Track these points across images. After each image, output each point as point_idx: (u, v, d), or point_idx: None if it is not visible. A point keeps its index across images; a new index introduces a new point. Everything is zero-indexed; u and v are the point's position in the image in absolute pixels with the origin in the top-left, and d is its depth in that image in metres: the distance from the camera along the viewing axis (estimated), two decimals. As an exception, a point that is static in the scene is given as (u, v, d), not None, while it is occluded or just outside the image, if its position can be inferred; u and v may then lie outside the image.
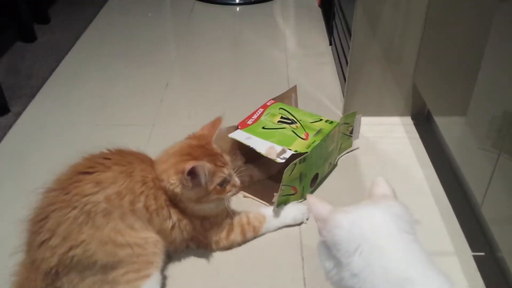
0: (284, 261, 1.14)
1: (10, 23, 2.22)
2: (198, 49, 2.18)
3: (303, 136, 1.32)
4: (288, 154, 1.24)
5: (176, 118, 1.68)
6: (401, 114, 1.64)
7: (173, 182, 1.00)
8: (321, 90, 1.79)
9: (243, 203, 1.29)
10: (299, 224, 1.23)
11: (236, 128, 1.35)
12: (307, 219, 1.23)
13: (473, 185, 1.12)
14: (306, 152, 1.23)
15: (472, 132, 1.13)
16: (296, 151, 1.25)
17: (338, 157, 1.45)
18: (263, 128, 1.35)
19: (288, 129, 1.35)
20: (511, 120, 0.95)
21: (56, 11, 2.47)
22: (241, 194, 1.32)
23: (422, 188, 1.34)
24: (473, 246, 1.16)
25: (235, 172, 1.12)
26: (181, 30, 2.36)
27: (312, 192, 1.33)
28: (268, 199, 1.26)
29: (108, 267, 0.94)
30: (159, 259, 1.02)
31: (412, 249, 0.72)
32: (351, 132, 1.46)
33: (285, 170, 1.18)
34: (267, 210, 1.22)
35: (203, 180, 1.00)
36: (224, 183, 1.06)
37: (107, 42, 2.25)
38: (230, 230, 1.15)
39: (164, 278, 1.08)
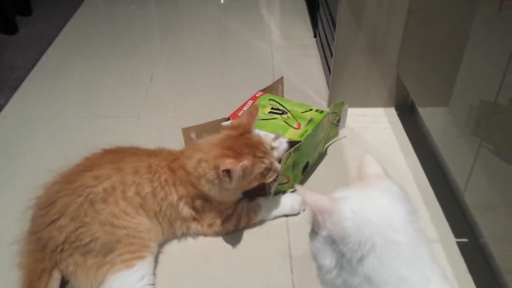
0: (272, 251, 1.16)
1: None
2: (183, 41, 2.17)
3: (295, 125, 1.33)
4: (284, 140, 1.25)
5: (161, 109, 1.68)
6: (385, 105, 1.67)
7: (212, 174, 1.07)
8: (306, 81, 1.81)
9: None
10: (297, 214, 1.24)
11: (228, 119, 1.35)
12: (304, 210, 1.25)
13: (456, 173, 1.15)
14: (300, 141, 1.25)
15: (454, 122, 1.15)
16: (290, 138, 1.26)
17: (326, 146, 1.47)
18: None
19: (279, 119, 1.36)
20: (491, 110, 0.97)
21: (38, 2, 2.44)
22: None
23: (406, 177, 1.36)
24: (457, 232, 1.19)
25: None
26: (166, 21, 2.35)
27: (302, 180, 1.35)
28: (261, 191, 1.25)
29: (107, 248, 1.02)
30: (153, 245, 1.09)
31: (419, 244, 0.62)
32: (338, 121, 1.48)
33: (283, 158, 1.19)
34: (264, 201, 1.23)
35: (235, 180, 1.06)
36: (264, 171, 1.11)
37: (91, 34, 2.23)
38: (227, 219, 1.18)
39: (155, 265, 1.10)
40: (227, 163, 1.03)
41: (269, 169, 1.13)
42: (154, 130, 1.57)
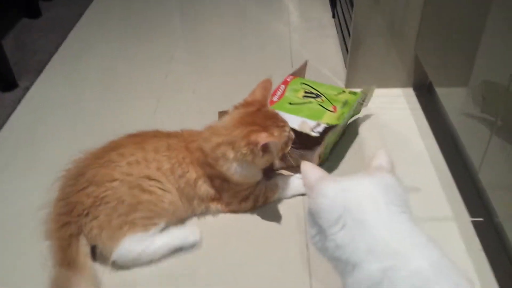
0: (288, 228, 1.19)
1: (16, 0, 2.23)
2: (202, 24, 2.19)
3: (331, 109, 1.34)
4: (321, 127, 1.26)
5: (180, 92, 1.71)
6: (403, 85, 1.66)
7: (244, 152, 1.10)
8: (323, 62, 1.81)
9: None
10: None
11: None
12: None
13: (471, 153, 1.15)
14: (337, 124, 1.27)
15: (471, 101, 1.16)
16: (327, 123, 1.27)
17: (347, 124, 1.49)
18: (290, 104, 1.37)
19: (314, 103, 1.36)
20: (507, 89, 0.97)
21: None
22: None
23: (422, 157, 1.37)
24: (472, 212, 1.20)
25: None
26: (185, 5, 2.37)
27: (326, 159, 1.37)
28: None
29: (131, 208, 1.08)
30: (169, 216, 1.14)
31: (397, 221, 0.70)
32: (363, 100, 1.49)
33: (326, 137, 1.24)
34: (281, 180, 1.26)
35: (274, 152, 1.13)
36: (287, 140, 1.16)
37: (112, 17, 2.27)
38: (244, 199, 1.21)
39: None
40: (264, 137, 1.07)
41: (289, 138, 1.16)
42: (173, 112, 1.60)
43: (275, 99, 1.40)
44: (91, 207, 1.07)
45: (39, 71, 1.84)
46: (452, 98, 1.30)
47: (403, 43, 1.57)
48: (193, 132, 1.23)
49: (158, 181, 1.12)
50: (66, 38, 2.08)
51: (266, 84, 1.20)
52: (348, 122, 1.48)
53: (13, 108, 1.64)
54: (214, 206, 1.21)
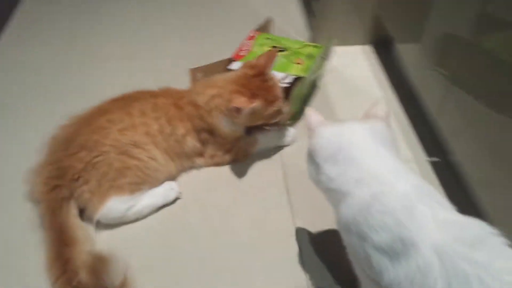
0: (268, 174, 1.31)
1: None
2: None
3: (296, 61, 1.44)
4: (290, 78, 1.37)
5: (156, 55, 1.78)
6: (363, 43, 1.79)
7: (225, 108, 1.20)
8: (286, 23, 1.90)
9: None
10: (289, 145, 1.39)
11: (231, 60, 1.45)
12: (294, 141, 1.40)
13: (429, 100, 1.29)
14: (304, 76, 1.38)
15: (429, 56, 1.29)
16: (295, 75, 1.38)
17: (317, 78, 1.60)
18: None
19: (280, 57, 1.45)
20: (459, 43, 1.11)
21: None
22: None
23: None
24: (429, 152, 1.36)
25: None
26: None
27: (298, 113, 1.47)
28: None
29: (120, 173, 1.15)
30: (153, 182, 1.22)
31: (384, 156, 0.81)
32: (325, 55, 1.60)
33: (292, 91, 1.33)
34: (260, 135, 1.36)
35: (243, 118, 1.19)
36: (272, 114, 1.24)
37: None
38: (227, 151, 1.31)
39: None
40: (239, 101, 1.15)
41: (277, 112, 1.24)
42: (150, 74, 1.66)
43: (242, 53, 1.48)
44: (83, 171, 1.13)
45: None
46: (411, 53, 1.43)
47: (363, 2, 1.68)
48: (179, 90, 1.31)
49: (144, 149, 1.19)
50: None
51: (271, 54, 1.26)
52: (315, 79, 1.59)
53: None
54: (199, 160, 1.31)
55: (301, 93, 1.41)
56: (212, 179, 1.31)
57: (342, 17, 1.71)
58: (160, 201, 1.22)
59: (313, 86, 1.55)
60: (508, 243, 0.69)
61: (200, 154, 1.30)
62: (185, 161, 1.29)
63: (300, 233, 1.16)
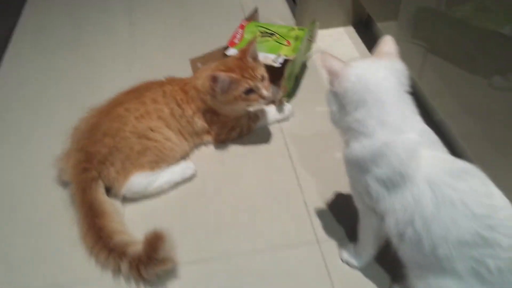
0: (272, 145, 1.44)
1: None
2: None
3: (285, 43, 1.59)
4: (281, 58, 1.52)
5: (150, 53, 1.89)
6: (344, 24, 1.93)
7: (205, 86, 1.34)
8: (273, 11, 2.03)
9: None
10: (287, 119, 1.52)
11: (227, 47, 1.60)
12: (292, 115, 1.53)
13: (410, 69, 1.42)
14: (294, 56, 1.52)
15: (406, 29, 1.42)
16: (286, 55, 1.53)
17: (307, 60, 1.75)
18: None
19: (271, 40, 1.61)
20: (432, 15, 1.24)
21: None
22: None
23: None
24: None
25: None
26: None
27: (293, 91, 1.61)
28: None
29: (141, 154, 1.28)
30: (170, 160, 1.35)
31: (404, 101, 0.87)
32: (311, 36, 1.74)
33: (285, 70, 1.47)
34: (260, 112, 1.49)
35: (219, 86, 1.30)
36: (248, 92, 1.32)
37: None
38: (232, 129, 1.44)
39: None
40: (215, 72, 1.30)
41: (252, 91, 1.33)
42: (149, 72, 1.78)
43: (236, 41, 1.63)
44: (108, 155, 1.26)
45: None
46: (390, 29, 1.57)
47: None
48: (182, 78, 1.45)
49: (160, 132, 1.32)
50: (20, 16, 2.16)
51: (252, 39, 1.39)
52: (304, 60, 1.73)
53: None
54: (207, 138, 1.44)
55: (293, 72, 1.55)
56: (221, 153, 1.43)
57: (323, 1, 1.85)
58: (178, 177, 1.33)
59: (303, 66, 1.69)
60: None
61: (208, 132, 1.43)
62: (196, 139, 1.42)
63: (306, 192, 1.29)
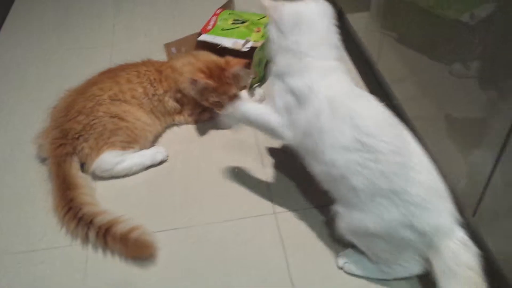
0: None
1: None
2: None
3: (255, 30, 1.67)
4: (250, 44, 1.59)
5: (132, 37, 1.98)
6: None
7: (185, 83, 1.43)
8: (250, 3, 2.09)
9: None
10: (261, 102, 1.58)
11: (200, 33, 1.68)
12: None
13: (370, 50, 1.49)
14: (262, 41, 1.60)
15: (374, 20, 1.49)
16: (255, 40, 1.60)
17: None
18: (222, 29, 1.68)
19: (242, 27, 1.69)
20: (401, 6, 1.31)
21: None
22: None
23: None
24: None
25: None
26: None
27: (264, 76, 1.69)
28: None
29: (113, 133, 1.35)
30: (142, 141, 1.42)
31: (333, 33, 1.08)
32: None
33: (253, 56, 1.53)
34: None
35: (194, 90, 1.41)
36: (216, 104, 1.45)
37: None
38: (204, 110, 1.52)
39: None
40: (198, 76, 1.38)
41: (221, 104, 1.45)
42: (129, 56, 1.84)
43: (209, 27, 1.71)
44: (82, 131, 1.34)
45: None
46: (358, 20, 1.64)
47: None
48: (158, 61, 1.55)
49: (131, 112, 1.40)
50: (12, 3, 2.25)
51: (242, 63, 1.46)
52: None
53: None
54: (178, 118, 1.52)
55: (263, 57, 1.62)
56: (192, 136, 1.51)
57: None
58: (148, 161, 1.40)
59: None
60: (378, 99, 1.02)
61: (180, 112, 1.51)
62: (167, 118, 1.50)
63: (268, 167, 1.37)
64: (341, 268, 1.11)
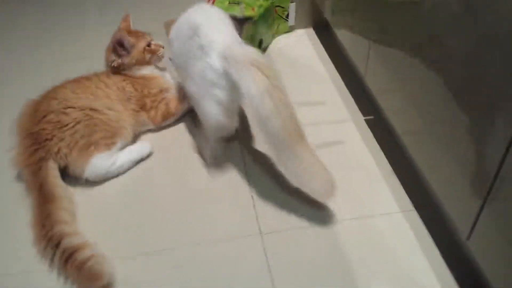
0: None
1: None
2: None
3: (250, 10, 1.71)
4: (243, 14, 1.68)
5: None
6: (305, 26, 1.97)
7: (113, 57, 1.45)
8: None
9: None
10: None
11: None
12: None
13: (358, 63, 1.46)
14: (255, 16, 1.68)
15: (359, 33, 1.46)
16: (247, 16, 1.67)
17: (278, 36, 1.92)
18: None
19: (237, 7, 1.72)
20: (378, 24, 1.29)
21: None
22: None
23: (324, 77, 1.70)
24: (364, 112, 1.54)
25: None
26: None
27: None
28: None
29: (90, 129, 1.30)
30: (122, 133, 1.38)
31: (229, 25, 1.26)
32: (287, 17, 1.84)
33: (244, 28, 1.59)
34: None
35: (128, 44, 1.45)
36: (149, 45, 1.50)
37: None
38: (159, 102, 1.50)
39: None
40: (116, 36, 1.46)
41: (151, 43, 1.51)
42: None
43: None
44: (54, 130, 1.27)
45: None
46: (345, 33, 1.61)
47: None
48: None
49: (100, 103, 1.36)
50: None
51: (126, 18, 1.56)
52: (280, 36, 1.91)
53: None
54: (144, 115, 1.47)
55: (255, 33, 1.72)
56: (169, 145, 1.47)
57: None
58: (136, 156, 1.39)
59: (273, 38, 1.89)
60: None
61: (143, 107, 1.47)
62: (136, 114, 1.45)
63: (253, 182, 1.32)
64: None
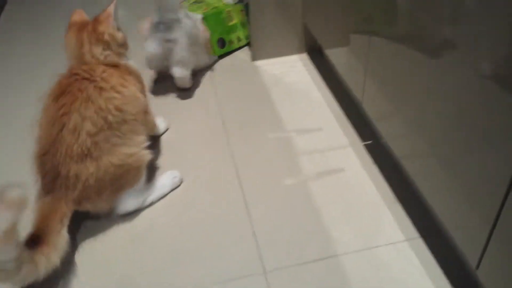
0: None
1: None
2: None
3: (203, 8, 1.94)
4: (199, 15, 1.84)
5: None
6: (299, 52, 1.97)
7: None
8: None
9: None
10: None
11: None
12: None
13: (354, 88, 1.45)
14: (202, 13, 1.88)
15: (352, 56, 1.45)
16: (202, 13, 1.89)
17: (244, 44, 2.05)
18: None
19: (197, 6, 1.97)
20: (375, 43, 1.28)
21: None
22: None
23: (320, 103, 1.68)
24: (362, 137, 1.52)
25: None
26: None
27: (223, 54, 1.98)
28: None
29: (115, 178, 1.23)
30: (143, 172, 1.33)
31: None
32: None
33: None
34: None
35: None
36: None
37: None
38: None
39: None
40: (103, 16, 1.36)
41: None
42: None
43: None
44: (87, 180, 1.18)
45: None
46: (338, 56, 1.60)
47: (291, 14, 1.87)
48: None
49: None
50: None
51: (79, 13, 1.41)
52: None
53: None
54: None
55: (213, 34, 1.91)
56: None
57: (276, 31, 1.89)
58: (169, 190, 1.39)
59: (240, 41, 2.04)
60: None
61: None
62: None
63: (254, 216, 1.29)
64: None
